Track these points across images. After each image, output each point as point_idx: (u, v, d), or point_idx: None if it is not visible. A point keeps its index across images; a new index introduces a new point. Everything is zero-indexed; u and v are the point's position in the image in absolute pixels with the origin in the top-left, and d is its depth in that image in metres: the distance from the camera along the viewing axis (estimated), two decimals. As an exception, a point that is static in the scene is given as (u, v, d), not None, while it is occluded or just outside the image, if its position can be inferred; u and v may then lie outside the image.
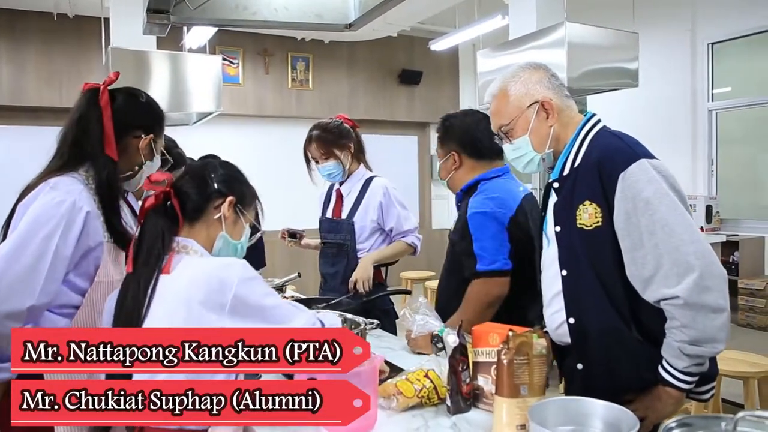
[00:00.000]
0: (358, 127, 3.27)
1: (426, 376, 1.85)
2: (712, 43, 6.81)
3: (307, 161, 3.22)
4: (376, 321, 2.22)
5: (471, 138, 2.59)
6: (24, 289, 1.71)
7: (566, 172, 1.87)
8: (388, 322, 2.99)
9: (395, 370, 2.02)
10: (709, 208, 6.38)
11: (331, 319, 1.83)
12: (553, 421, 1.48)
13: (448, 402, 1.78)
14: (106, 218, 1.91)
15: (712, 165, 6.89)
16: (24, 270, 1.72)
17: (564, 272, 1.85)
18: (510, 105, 1.93)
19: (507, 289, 2.41)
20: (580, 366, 1.84)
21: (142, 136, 2.01)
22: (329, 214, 3.29)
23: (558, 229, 1.87)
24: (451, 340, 1.80)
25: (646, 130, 7.35)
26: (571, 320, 1.84)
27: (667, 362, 1.69)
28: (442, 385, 1.83)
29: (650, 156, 1.75)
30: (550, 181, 1.94)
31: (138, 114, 2.03)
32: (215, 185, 1.81)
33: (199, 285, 1.59)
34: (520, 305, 2.38)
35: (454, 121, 2.71)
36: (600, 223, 1.76)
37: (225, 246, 1.82)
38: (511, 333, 1.61)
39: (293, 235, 3.47)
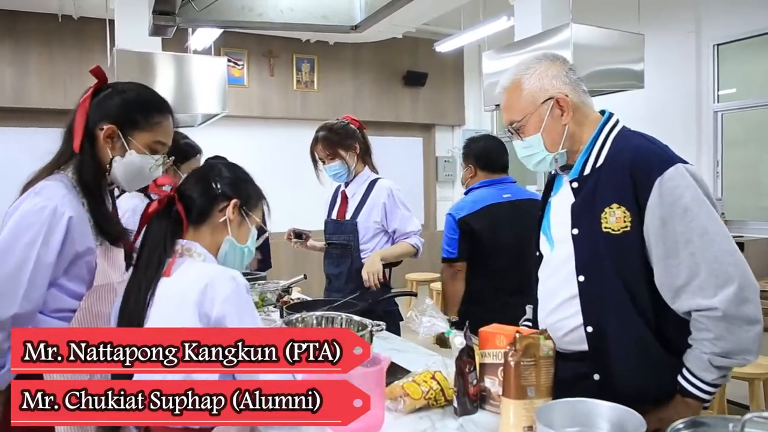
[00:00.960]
0: (364, 129, 3.28)
1: (433, 377, 1.85)
2: (718, 45, 6.79)
3: (314, 162, 3.24)
4: (382, 323, 2.22)
5: (485, 156, 3.41)
6: (5, 297, 1.69)
7: (587, 171, 1.78)
8: (392, 323, 2.99)
9: (402, 371, 2.01)
10: (714, 210, 6.36)
11: None
12: (560, 422, 1.47)
13: (455, 403, 1.78)
14: (93, 219, 1.86)
15: (717, 166, 6.87)
16: (6, 278, 1.70)
17: (581, 278, 1.76)
18: (523, 100, 1.81)
19: (457, 270, 3.28)
20: (597, 377, 1.75)
21: (104, 126, 1.88)
22: (334, 215, 3.32)
23: (576, 231, 1.77)
24: (458, 341, 1.80)
25: (651, 131, 7.32)
26: (590, 328, 1.75)
27: (692, 374, 1.64)
28: (449, 386, 1.83)
29: (683, 160, 1.68)
30: (568, 180, 1.83)
31: (106, 104, 1.91)
32: (219, 188, 1.81)
33: (194, 291, 1.60)
34: (477, 290, 3.27)
35: (476, 142, 3.53)
36: (628, 228, 1.68)
37: (231, 250, 1.82)
38: (518, 335, 1.60)
39: (299, 235, 3.48)
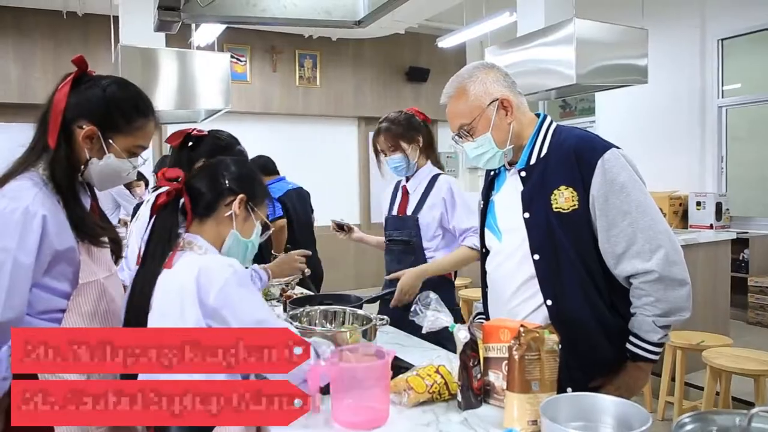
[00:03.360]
0: (430, 122, 3.21)
1: (437, 371, 1.85)
2: (722, 39, 6.78)
3: (377, 154, 3.18)
4: (386, 317, 2.22)
5: (264, 166, 5.21)
6: None
7: (533, 161, 1.97)
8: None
9: (406, 366, 2.02)
10: (718, 206, 6.35)
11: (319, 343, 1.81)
12: (565, 416, 1.48)
13: (459, 397, 1.78)
14: (68, 219, 1.73)
15: (721, 162, 6.86)
16: None
17: (536, 256, 1.92)
18: (470, 104, 1.99)
19: (281, 225, 4.87)
20: (559, 347, 1.81)
21: (84, 126, 1.75)
22: (395, 210, 3.21)
23: (527, 215, 1.94)
24: (462, 335, 1.80)
25: (655, 126, 7.37)
26: (549, 302, 1.91)
27: (640, 338, 1.85)
28: (453, 380, 1.83)
29: (617, 146, 1.92)
30: (517, 169, 2.00)
31: (87, 100, 1.77)
32: (227, 183, 1.84)
33: (191, 281, 1.62)
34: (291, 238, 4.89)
35: (255, 161, 4.93)
36: (576, 206, 1.88)
37: (235, 244, 1.85)
38: (522, 329, 1.61)
39: (341, 227, 3.43)
